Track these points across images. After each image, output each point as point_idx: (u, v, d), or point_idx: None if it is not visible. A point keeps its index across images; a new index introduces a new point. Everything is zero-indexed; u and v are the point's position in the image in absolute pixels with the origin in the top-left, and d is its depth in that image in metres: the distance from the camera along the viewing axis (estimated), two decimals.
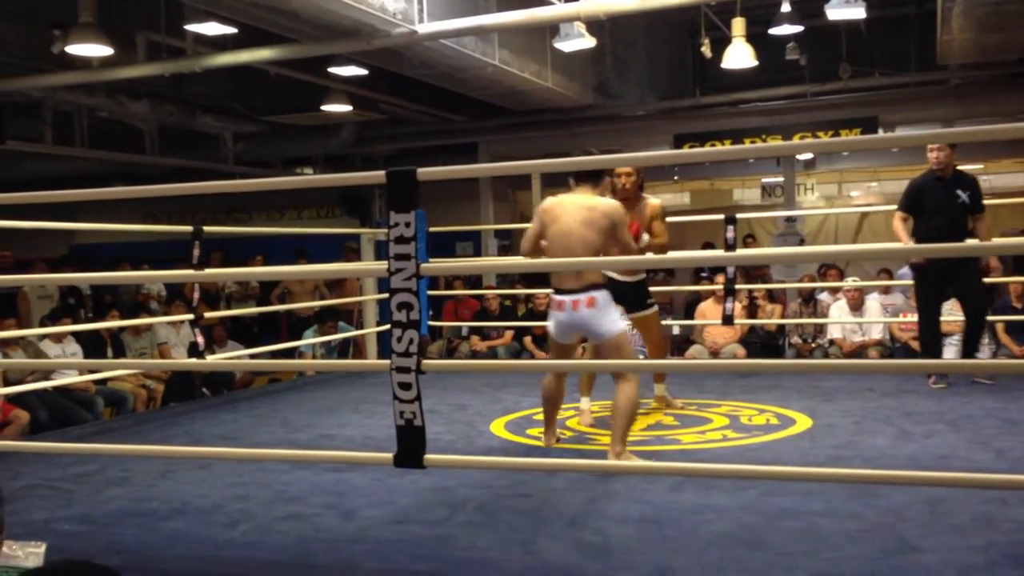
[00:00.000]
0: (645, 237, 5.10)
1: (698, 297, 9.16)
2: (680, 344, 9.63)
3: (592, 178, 4.41)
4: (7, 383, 6.11)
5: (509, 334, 9.01)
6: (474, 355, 8.92)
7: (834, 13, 7.49)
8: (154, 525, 3.60)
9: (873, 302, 8.11)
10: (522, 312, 9.32)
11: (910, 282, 8.23)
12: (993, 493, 3.51)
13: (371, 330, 8.58)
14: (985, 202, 6.12)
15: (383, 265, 3.13)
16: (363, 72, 9.83)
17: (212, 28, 8.11)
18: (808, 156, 12.34)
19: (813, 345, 8.24)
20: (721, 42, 8.92)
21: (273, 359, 8.37)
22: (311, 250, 11.23)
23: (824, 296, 8.54)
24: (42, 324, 7.67)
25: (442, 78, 9.37)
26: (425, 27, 7.51)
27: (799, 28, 8.55)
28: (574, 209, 4.30)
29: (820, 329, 8.29)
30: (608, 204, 4.35)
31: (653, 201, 5.20)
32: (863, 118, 10.81)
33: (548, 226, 4.36)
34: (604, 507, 3.66)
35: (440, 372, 6.31)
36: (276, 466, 4.36)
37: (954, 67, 9.94)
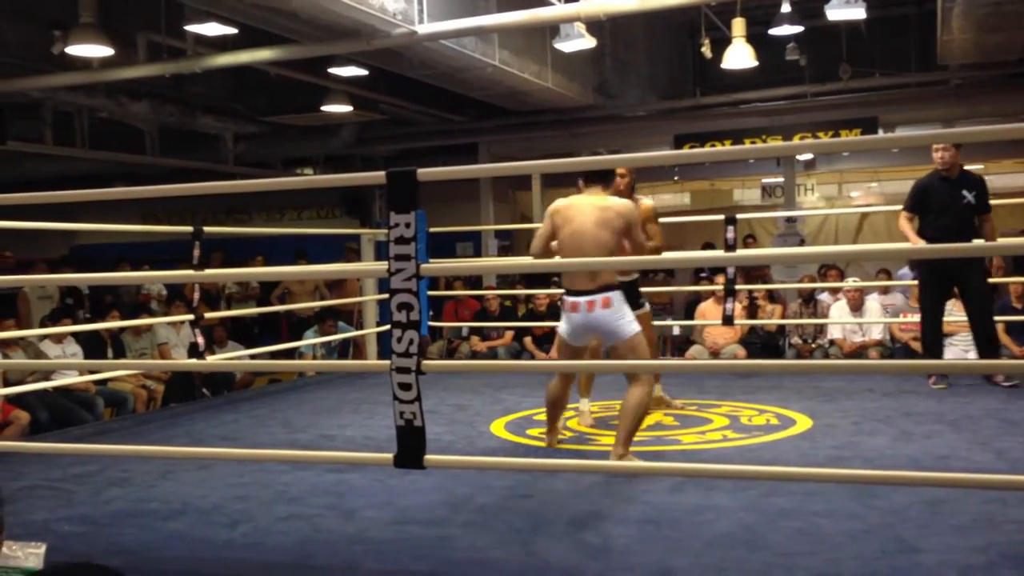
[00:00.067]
0: None
1: (698, 297, 9.16)
2: (680, 344, 9.63)
3: (602, 178, 4.38)
4: (7, 384, 6.11)
5: (509, 334, 9.01)
6: (474, 355, 8.92)
7: (834, 13, 7.49)
8: (154, 526, 3.60)
9: (873, 302, 8.10)
10: (522, 312, 9.32)
11: (910, 282, 8.25)
12: (993, 493, 3.51)
13: (371, 330, 8.59)
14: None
15: (383, 265, 3.13)
16: (363, 72, 9.84)
17: (212, 29, 8.11)
18: (808, 156, 12.34)
19: (813, 345, 8.24)
20: (721, 42, 8.92)
21: (273, 359, 8.37)
22: (311, 251, 11.23)
23: (824, 296, 8.53)
24: (42, 324, 7.67)
25: (442, 78, 9.38)
26: (425, 27, 7.52)
27: (799, 28, 8.55)
28: (588, 210, 4.26)
29: (820, 329, 8.29)
30: (622, 204, 4.31)
31: (646, 202, 5.18)
32: (863, 118, 10.82)
33: (560, 227, 4.32)
34: (604, 507, 3.66)
35: (440, 373, 6.30)
36: (276, 466, 4.36)
37: (954, 67, 9.94)
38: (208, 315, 7.20)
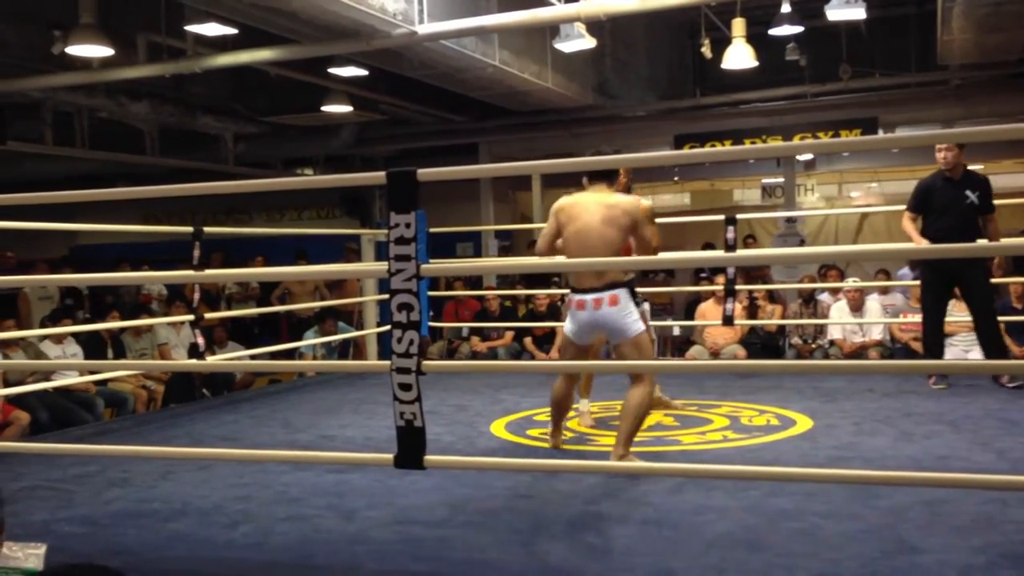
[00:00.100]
0: None
1: (698, 298, 9.16)
2: (680, 345, 9.63)
3: (607, 175, 4.36)
4: (7, 384, 6.11)
5: (509, 335, 9.01)
6: (474, 356, 8.92)
7: (834, 14, 7.49)
8: (155, 526, 3.60)
9: (873, 303, 8.10)
10: (522, 313, 9.31)
11: (911, 282, 8.25)
12: (993, 494, 3.51)
13: (371, 331, 8.59)
14: None
15: (383, 266, 3.13)
16: (363, 73, 9.84)
17: (212, 29, 8.11)
18: (808, 157, 12.35)
19: (813, 346, 8.24)
20: (721, 42, 8.92)
21: (273, 360, 8.37)
22: (311, 251, 11.23)
23: (824, 297, 8.53)
24: (42, 325, 7.67)
25: (442, 79, 9.38)
26: (425, 28, 7.51)
27: (799, 29, 8.55)
28: (593, 208, 4.24)
29: (820, 330, 8.29)
30: (628, 201, 4.29)
31: (643, 203, 5.17)
32: (863, 119, 10.82)
33: (565, 225, 4.29)
34: (604, 508, 3.66)
35: (440, 373, 6.30)
36: (277, 467, 4.36)
37: (954, 67, 9.94)
38: (208, 315, 7.20)
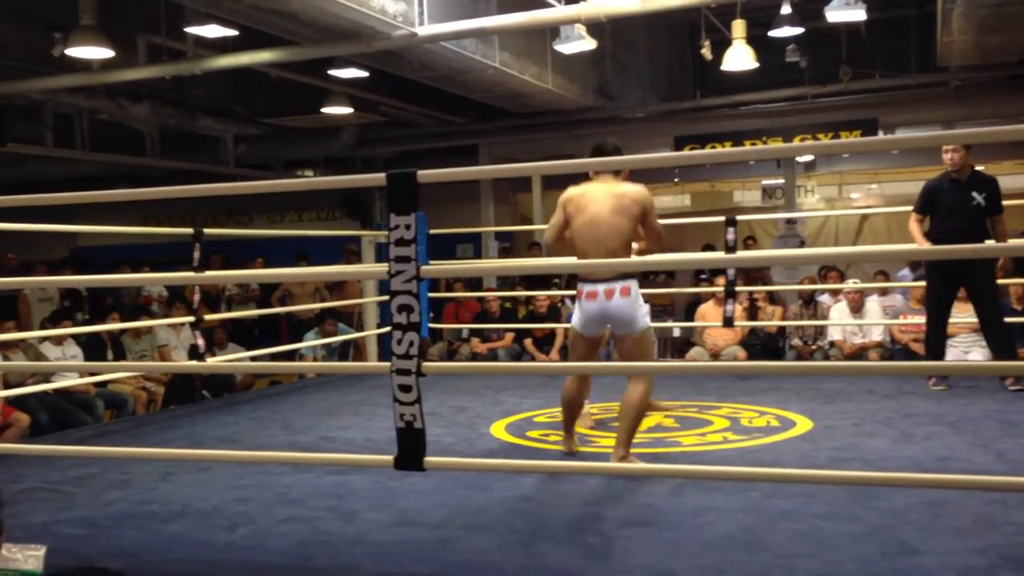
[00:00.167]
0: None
1: (698, 299, 9.16)
2: (680, 346, 9.62)
3: None
4: (7, 386, 6.11)
5: (510, 336, 9.00)
6: (474, 357, 8.92)
7: (834, 15, 7.49)
8: (154, 528, 3.60)
9: (873, 304, 8.10)
10: (523, 314, 9.31)
11: (911, 283, 8.24)
12: (993, 495, 3.51)
13: (372, 332, 8.59)
14: None
15: (383, 267, 3.13)
16: (363, 74, 9.84)
17: (212, 30, 8.11)
18: (808, 158, 12.35)
19: (813, 347, 8.23)
20: (721, 44, 8.92)
21: (273, 361, 8.37)
22: (312, 252, 11.23)
23: (824, 298, 8.53)
24: (42, 326, 7.67)
25: (442, 80, 9.38)
26: (425, 29, 7.52)
27: (799, 30, 8.55)
28: (602, 198, 4.19)
29: (820, 331, 8.29)
30: (637, 190, 4.24)
31: None
32: (863, 120, 10.82)
33: (573, 217, 4.24)
34: (604, 509, 3.66)
35: (440, 374, 6.30)
36: (276, 468, 4.36)
37: (954, 69, 9.94)
38: (208, 317, 7.20)
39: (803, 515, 3.42)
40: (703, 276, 9.97)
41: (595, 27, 8.12)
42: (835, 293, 8.38)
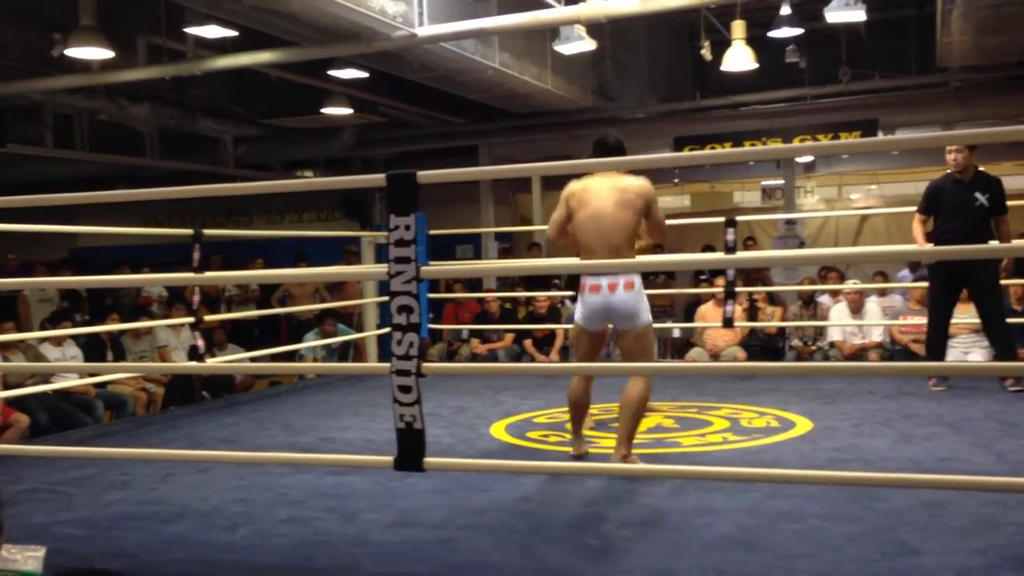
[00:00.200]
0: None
1: (698, 300, 9.16)
2: (680, 347, 9.62)
3: (616, 155, 4.28)
4: (7, 386, 6.10)
5: (509, 337, 9.00)
6: (474, 358, 8.92)
7: (834, 16, 7.49)
8: (154, 529, 3.60)
9: (873, 305, 8.10)
10: (522, 315, 9.31)
11: (910, 284, 8.24)
12: (993, 496, 3.51)
13: (371, 333, 8.59)
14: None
15: (383, 268, 3.13)
16: (363, 75, 9.85)
17: (212, 31, 8.12)
18: (808, 159, 12.35)
19: (813, 348, 8.23)
20: (721, 45, 8.93)
21: (273, 362, 8.36)
22: (311, 253, 11.23)
23: (824, 298, 8.53)
24: (42, 327, 7.67)
25: (442, 81, 9.39)
26: (425, 30, 7.52)
27: (799, 31, 8.56)
28: (605, 192, 4.17)
29: (820, 331, 8.29)
30: (640, 183, 4.22)
31: None
32: (863, 121, 10.83)
33: (576, 211, 4.22)
34: (604, 510, 3.66)
35: (440, 375, 6.30)
36: (276, 469, 4.36)
37: (954, 70, 9.94)
38: (208, 318, 7.20)
39: (803, 516, 3.42)
40: (703, 277, 9.98)
41: (595, 28, 8.12)
42: (835, 294, 8.38)
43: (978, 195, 5.83)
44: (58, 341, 7.14)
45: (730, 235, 6.72)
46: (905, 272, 9.15)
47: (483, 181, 12.83)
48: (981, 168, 6.07)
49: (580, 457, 4.44)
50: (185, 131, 11.64)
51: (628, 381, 4.24)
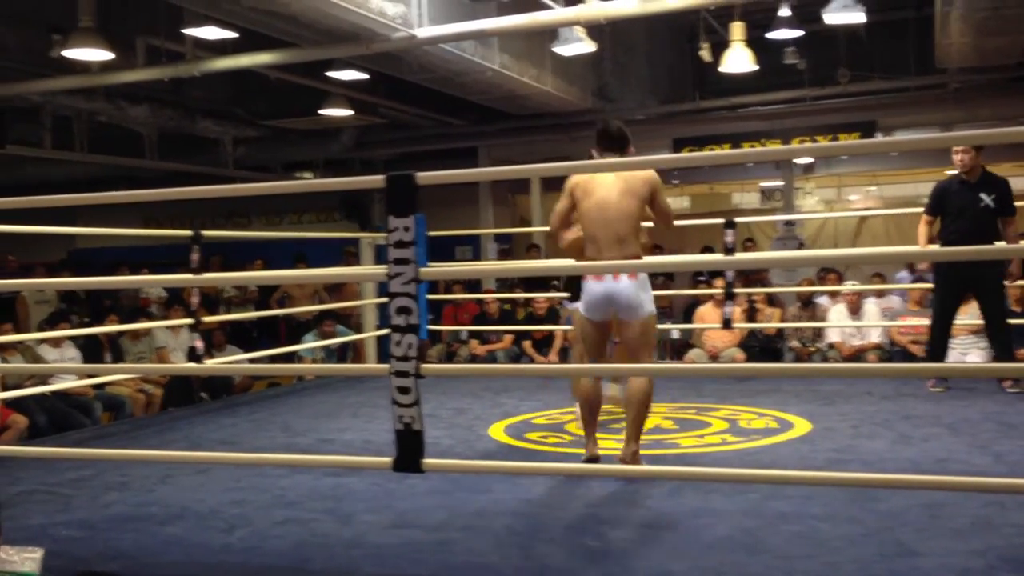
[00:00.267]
0: None
1: (697, 301, 9.15)
2: (679, 348, 9.61)
3: (619, 144, 4.24)
4: (5, 388, 6.10)
5: (508, 338, 9.00)
6: (473, 359, 8.91)
7: (833, 17, 7.50)
8: (152, 530, 3.59)
9: (871, 306, 8.10)
10: (521, 316, 9.31)
11: (909, 285, 8.24)
12: (992, 497, 3.51)
13: (370, 334, 8.58)
14: None
15: (382, 269, 3.13)
16: (363, 76, 9.84)
17: (212, 32, 8.12)
18: (807, 160, 12.36)
19: (812, 349, 8.23)
20: (720, 46, 8.93)
21: (272, 363, 8.36)
22: (311, 254, 11.23)
23: (823, 300, 8.53)
24: (40, 328, 7.66)
25: (442, 82, 9.39)
26: (424, 31, 7.52)
27: (798, 32, 8.57)
28: (610, 181, 4.13)
29: (819, 333, 8.29)
30: (644, 171, 4.18)
31: None
32: (862, 122, 10.84)
33: (581, 201, 4.17)
34: (603, 511, 3.66)
35: (439, 376, 6.28)
36: (275, 471, 4.36)
37: (953, 71, 9.95)
38: (207, 319, 7.19)
39: (802, 517, 3.42)
40: (702, 278, 9.97)
41: (594, 29, 8.13)
42: (833, 295, 8.38)
43: (983, 196, 5.83)
44: (56, 342, 7.14)
45: (729, 236, 6.72)
46: (904, 273, 9.15)
47: (482, 182, 12.83)
48: (989, 169, 6.06)
49: (593, 458, 4.28)
50: (184, 132, 11.64)
51: (629, 379, 4.22)
